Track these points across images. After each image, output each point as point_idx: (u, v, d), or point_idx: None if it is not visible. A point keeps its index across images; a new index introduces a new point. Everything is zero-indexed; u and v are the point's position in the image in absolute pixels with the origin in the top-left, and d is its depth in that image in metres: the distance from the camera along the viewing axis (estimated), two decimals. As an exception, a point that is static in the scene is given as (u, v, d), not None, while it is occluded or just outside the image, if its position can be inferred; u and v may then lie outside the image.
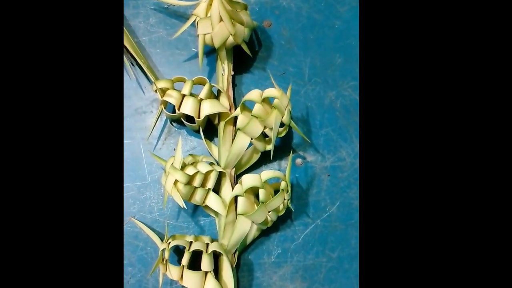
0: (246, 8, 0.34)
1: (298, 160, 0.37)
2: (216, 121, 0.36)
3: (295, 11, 0.38)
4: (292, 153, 0.37)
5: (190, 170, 0.32)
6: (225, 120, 0.34)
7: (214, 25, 0.32)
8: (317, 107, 0.37)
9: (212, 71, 0.37)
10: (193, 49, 0.38)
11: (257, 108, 0.32)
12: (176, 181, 0.31)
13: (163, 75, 0.37)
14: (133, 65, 0.37)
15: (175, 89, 0.34)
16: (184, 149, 0.36)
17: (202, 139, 0.35)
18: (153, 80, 0.35)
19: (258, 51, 0.38)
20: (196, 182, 0.32)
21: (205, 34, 0.33)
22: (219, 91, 0.35)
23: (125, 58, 0.36)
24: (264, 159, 0.36)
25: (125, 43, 0.36)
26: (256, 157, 0.35)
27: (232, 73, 0.36)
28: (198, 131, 0.35)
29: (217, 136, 0.36)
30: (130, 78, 0.37)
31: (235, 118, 0.34)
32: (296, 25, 0.38)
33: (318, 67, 0.38)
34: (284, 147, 0.37)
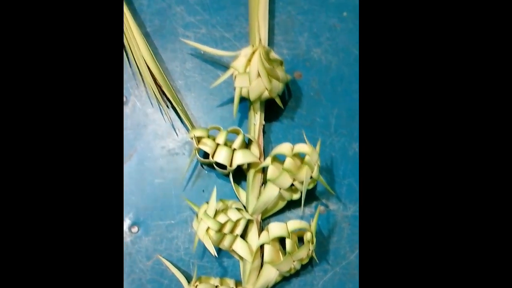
0: (282, 64, 0.36)
1: (321, 208, 0.38)
2: (245, 166, 0.37)
3: (325, 64, 0.40)
4: (316, 201, 0.38)
5: (221, 218, 0.33)
6: (255, 170, 0.36)
7: (252, 80, 0.34)
8: (341, 158, 0.39)
9: (243, 118, 0.39)
10: (229, 89, 0.39)
11: (288, 163, 0.33)
12: (208, 228, 0.33)
13: (196, 118, 0.39)
14: (168, 107, 0.39)
15: (209, 138, 0.35)
16: (212, 189, 0.38)
17: (231, 183, 0.37)
18: (189, 128, 0.36)
19: (288, 101, 0.39)
20: (226, 229, 0.33)
21: (242, 88, 0.35)
22: (250, 140, 0.37)
23: (161, 99, 0.38)
24: (288, 204, 0.38)
25: (162, 86, 0.38)
26: (282, 204, 0.37)
27: (264, 123, 0.38)
28: (227, 175, 0.37)
29: (245, 179, 0.38)
30: (165, 121, 0.38)
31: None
32: (325, 77, 0.40)
33: (344, 119, 0.40)
34: (308, 194, 0.38)
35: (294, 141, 0.39)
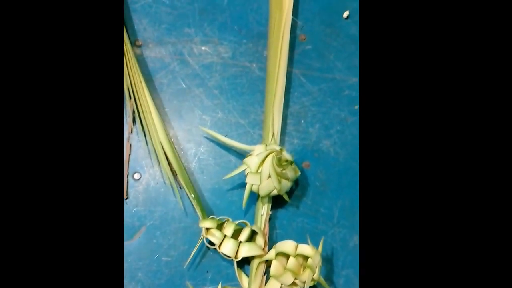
0: (292, 163, 0.38)
1: (318, 297, 0.40)
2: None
3: (333, 156, 0.42)
4: (314, 290, 0.40)
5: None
6: (259, 260, 0.38)
7: (263, 180, 0.36)
8: (341, 249, 0.41)
9: (251, 204, 0.40)
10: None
11: (291, 263, 0.35)
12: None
13: (207, 200, 0.41)
14: (180, 188, 0.40)
15: (218, 229, 0.37)
16: (216, 271, 0.40)
17: (235, 269, 0.38)
18: (200, 217, 0.38)
19: (295, 190, 0.41)
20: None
21: (252, 184, 0.37)
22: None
23: (173, 182, 0.40)
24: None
25: (176, 169, 0.39)
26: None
27: (270, 213, 0.39)
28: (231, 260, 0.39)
29: (248, 263, 0.39)
30: (176, 201, 0.40)
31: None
32: (332, 169, 0.42)
33: (347, 211, 0.41)
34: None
35: (298, 229, 0.41)
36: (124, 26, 0.42)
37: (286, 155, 0.37)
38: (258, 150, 0.37)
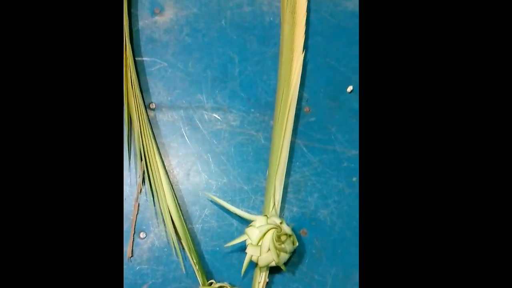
0: (291, 236, 0.40)
1: None
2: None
3: (329, 225, 0.44)
4: None
5: None
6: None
7: (262, 253, 0.38)
8: (332, 316, 0.43)
9: (249, 269, 0.42)
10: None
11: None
12: None
13: (207, 261, 0.43)
14: (183, 249, 0.42)
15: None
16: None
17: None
18: (200, 282, 0.40)
19: (292, 256, 0.43)
20: None
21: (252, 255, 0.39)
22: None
23: (176, 245, 0.42)
24: None
25: (180, 232, 0.42)
26: None
27: (267, 280, 0.41)
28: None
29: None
30: (182, 268, 0.42)
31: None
32: (328, 237, 0.44)
33: (340, 279, 0.43)
34: None
35: (292, 295, 0.43)
36: (139, 89, 0.45)
37: (286, 229, 0.39)
38: (259, 222, 0.39)
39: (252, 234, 0.39)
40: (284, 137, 0.44)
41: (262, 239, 0.38)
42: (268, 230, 0.38)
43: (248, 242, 0.39)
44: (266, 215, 0.40)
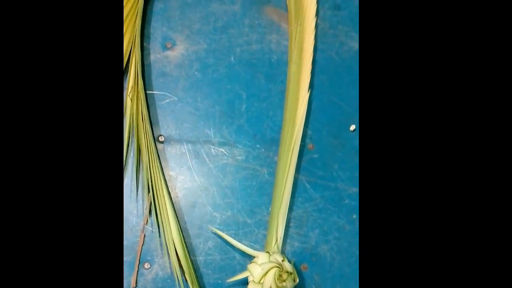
0: (292, 274, 0.41)
1: None
2: None
3: (329, 261, 0.46)
4: None
5: None
6: None
7: (264, 290, 0.39)
8: None
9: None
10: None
11: None
12: None
13: (209, 293, 0.44)
14: (186, 280, 0.43)
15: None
16: None
17: None
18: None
19: (292, 291, 0.45)
20: None
21: None
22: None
23: (180, 278, 0.43)
24: None
25: (184, 265, 0.43)
26: None
27: (267, 314, 0.43)
28: None
29: None
30: (182, 294, 0.43)
31: None
32: (327, 273, 0.45)
33: (338, 314, 0.45)
34: None
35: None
36: (149, 122, 0.46)
37: (288, 267, 0.41)
38: (262, 259, 0.40)
39: (254, 271, 0.40)
40: (288, 173, 0.45)
41: (264, 277, 0.39)
42: (271, 269, 0.39)
43: (250, 278, 0.40)
44: (268, 252, 0.42)
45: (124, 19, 0.47)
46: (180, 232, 0.44)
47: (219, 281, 0.44)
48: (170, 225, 0.44)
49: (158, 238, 0.44)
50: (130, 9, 0.48)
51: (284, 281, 0.40)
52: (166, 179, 0.45)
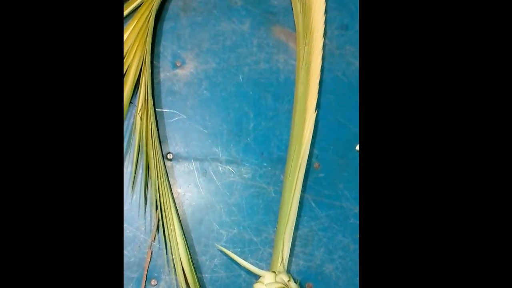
0: (297, 293, 0.42)
1: None
2: None
3: (334, 280, 0.46)
4: None
5: None
6: None
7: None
8: None
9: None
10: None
11: None
12: None
13: (214, 310, 0.45)
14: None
15: None
16: None
17: None
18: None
19: (297, 309, 0.45)
20: None
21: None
22: None
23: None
24: None
25: (190, 282, 0.43)
26: None
27: (272, 333, 0.43)
28: None
29: None
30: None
31: None
32: (332, 292, 0.46)
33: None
34: None
35: None
36: (158, 140, 0.47)
37: (293, 287, 0.41)
38: (268, 279, 0.41)
39: (259, 290, 0.41)
40: (294, 192, 0.46)
41: (270, 296, 0.40)
42: (276, 288, 0.40)
43: (255, 297, 0.41)
44: (274, 272, 0.42)
45: (135, 37, 0.48)
46: (187, 250, 0.44)
47: (225, 299, 0.45)
48: (177, 242, 0.44)
49: (165, 255, 0.45)
50: (141, 27, 0.49)
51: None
52: (174, 196, 0.46)
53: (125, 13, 0.49)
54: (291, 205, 0.46)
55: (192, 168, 0.47)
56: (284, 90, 0.50)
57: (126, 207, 0.46)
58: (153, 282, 0.44)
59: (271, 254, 0.46)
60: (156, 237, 0.45)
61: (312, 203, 0.48)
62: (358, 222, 0.47)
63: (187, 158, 0.48)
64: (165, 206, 0.45)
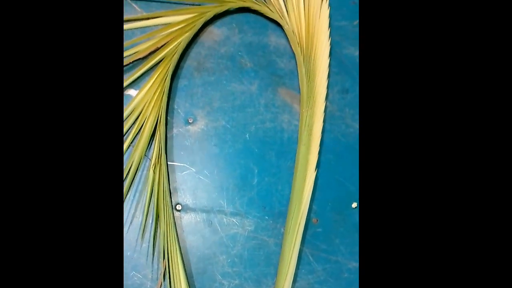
0: None
1: None
2: None
3: (328, 332, 0.49)
4: None
5: None
6: None
7: None
8: None
9: None
10: None
11: None
12: None
13: None
14: None
15: None
16: None
17: None
18: None
19: None
20: None
21: None
22: None
23: None
24: None
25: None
26: None
27: None
28: None
29: None
30: None
31: None
32: None
33: None
34: None
35: None
36: (169, 192, 0.50)
37: None
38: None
39: None
40: (294, 246, 0.49)
41: None
42: None
43: None
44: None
45: (152, 94, 0.53)
46: (191, 298, 0.47)
47: None
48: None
49: (169, 301, 0.48)
50: (159, 85, 0.53)
51: None
52: (181, 245, 0.49)
53: (144, 70, 0.54)
54: (290, 259, 0.49)
55: (199, 219, 0.51)
56: (287, 149, 0.53)
57: (135, 255, 0.49)
58: (157, 328, 0.47)
59: (269, 305, 0.49)
60: (162, 285, 0.48)
61: (310, 257, 0.51)
62: (352, 276, 0.50)
63: (194, 210, 0.51)
64: (172, 255, 0.48)
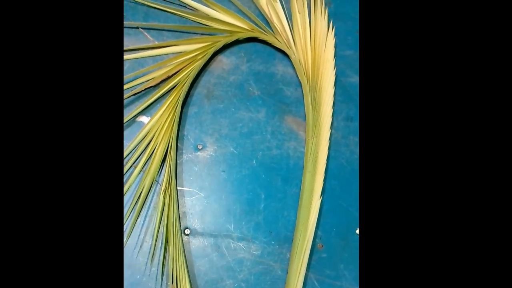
0: None
1: None
2: None
3: None
4: None
5: None
6: None
7: None
8: None
9: None
10: None
11: None
12: None
13: None
14: None
15: None
16: None
17: None
18: None
19: None
20: None
21: None
22: None
23: None
24: None
25: None
26: None
27: None
28: None
29: None
30: None
31: None
32: None
33: None
34: None
35: None
36: (178, 216, 0.52)
37: None
38: None
39: None
40: (299, 272, 0.50)
41: None
42: None
43: None
44: None
45: (164, 121, 0.54)
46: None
47: None
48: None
49: (177, 325, 0.49)
50: (170, 112, 0.55)
51: None
52: (189, 269, 0.50)
53: (155, 97, 0.56)
54: (296, 284, 0.50)
55: (206, 244, 0.52)
56: (292, 175, 0.55)
57: (144, 278, 0.50)
58: None
59: (275, 329, 0.50)
60: (170, 308, 0.49)
61: (315, 282, 0.52)
62: (356, 302, 0.51)
63: (202, 234, 0.52)
64: (180, 279, 0.49)
